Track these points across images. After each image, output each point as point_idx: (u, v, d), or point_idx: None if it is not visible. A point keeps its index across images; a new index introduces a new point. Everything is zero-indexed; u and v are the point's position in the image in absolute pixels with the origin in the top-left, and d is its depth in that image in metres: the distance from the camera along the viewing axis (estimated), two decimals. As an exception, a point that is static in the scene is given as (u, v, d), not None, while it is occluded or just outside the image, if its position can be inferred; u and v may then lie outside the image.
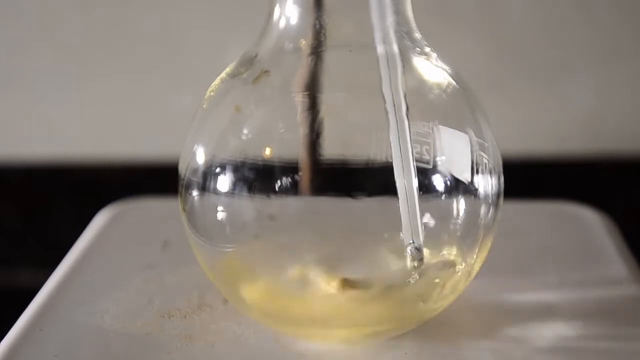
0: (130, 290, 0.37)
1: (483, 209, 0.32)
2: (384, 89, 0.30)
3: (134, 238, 0.44)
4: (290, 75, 0.32)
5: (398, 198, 0.30)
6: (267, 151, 0.31)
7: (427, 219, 0.31)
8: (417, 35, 0.33)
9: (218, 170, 0.31)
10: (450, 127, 0.31)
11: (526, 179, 0.64)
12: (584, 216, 0.45)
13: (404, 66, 0.31)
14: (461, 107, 0.32)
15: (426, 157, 0.31)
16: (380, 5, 0.31)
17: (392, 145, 0.30)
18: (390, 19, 0.31)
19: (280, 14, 0.32)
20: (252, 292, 0.32)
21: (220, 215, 0.32)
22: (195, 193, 0.32)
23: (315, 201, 0.31)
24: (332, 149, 0.31)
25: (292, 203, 0.31)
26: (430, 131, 0.31)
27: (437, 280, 0.32)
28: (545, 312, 0.35)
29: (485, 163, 0.32)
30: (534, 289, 0.37)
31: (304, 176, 0.31)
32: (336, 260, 0.32)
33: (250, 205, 0.31)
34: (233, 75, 0.33)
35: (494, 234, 0.33)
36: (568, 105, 0.65)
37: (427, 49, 0.33)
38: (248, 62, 0.33)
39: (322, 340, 0.33)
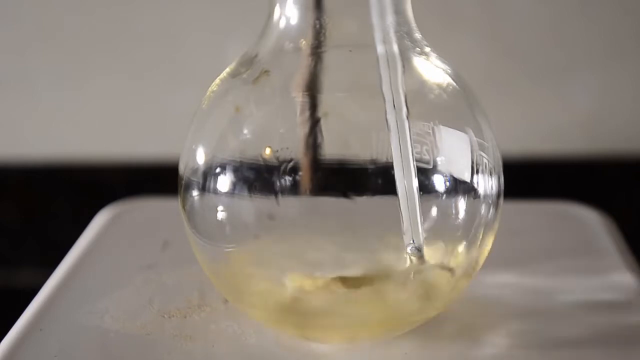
0: (130, 290, 0.37)
1: (483, 209, 0.32)
2: (384, 89, 0.30)
3: (134, 238, 0.44)
4: (290, 75, 0.32)
5: (398, 198, 0.30)
6: (267, 151, 0.31)
7: (428, 219, 0.31)
8: (417, 35, 0.33)
9: (218, 170, 0.31)
10: (450, 127, 0.31)
11: (526, 179, 0.64)
12: (584, 216, 0.45)
13: (404, 66, 0.31)
14: (461, 107, 0.32)
15: (426, 157, 0.31)
16: (380, 5, 0.31)
17: (392, 145, 0.30)
18: (390, 19, 0.31)
19: (281, 14, 0.32)
20: (251, 292, 0.32)
21: (220, 215, 0.32)
22: (195, 193, 0.32)
23: (315, 201, 0.31)
24: (332, 149, 0.31)
25: (292, 203, 0.31)
26: (430, 131, 0.31)
27: (437, 281, 0.32)
28: (545, 312, 0.35)
29: (485, 163, 0.32)
30: (534, 288, 0.37)
31: (304, 176, 0.31)
32: (336, 260, 0.32)
33: (250, 205, 0.31)
34: (233, 75, 0.33)
35: (494, 234, 0.33)
36: (568, 105, 0.65)
37: (427, 49, 0.33)
38: (248, 62, 0.33)
39: (322, 340, 0.33)
